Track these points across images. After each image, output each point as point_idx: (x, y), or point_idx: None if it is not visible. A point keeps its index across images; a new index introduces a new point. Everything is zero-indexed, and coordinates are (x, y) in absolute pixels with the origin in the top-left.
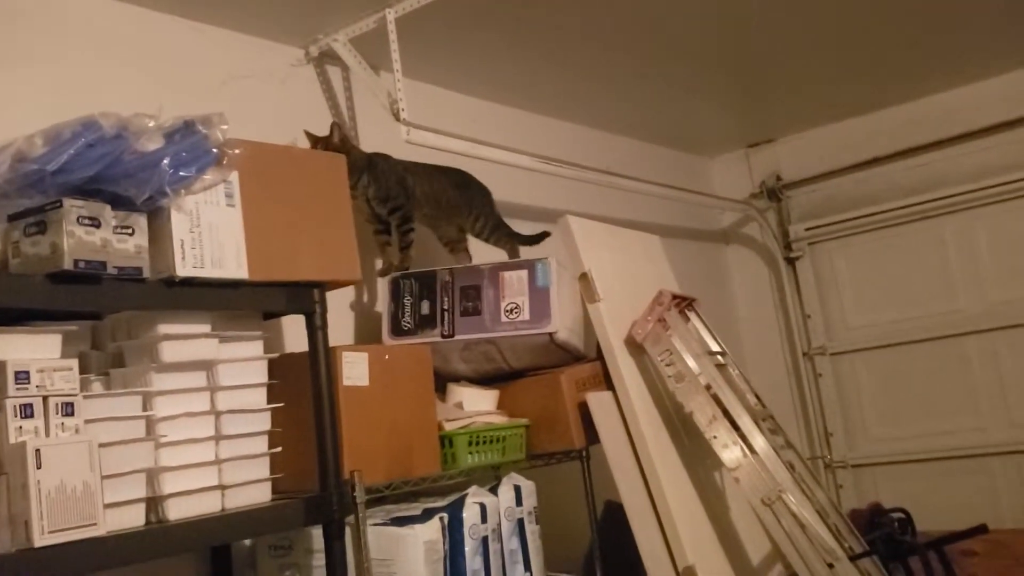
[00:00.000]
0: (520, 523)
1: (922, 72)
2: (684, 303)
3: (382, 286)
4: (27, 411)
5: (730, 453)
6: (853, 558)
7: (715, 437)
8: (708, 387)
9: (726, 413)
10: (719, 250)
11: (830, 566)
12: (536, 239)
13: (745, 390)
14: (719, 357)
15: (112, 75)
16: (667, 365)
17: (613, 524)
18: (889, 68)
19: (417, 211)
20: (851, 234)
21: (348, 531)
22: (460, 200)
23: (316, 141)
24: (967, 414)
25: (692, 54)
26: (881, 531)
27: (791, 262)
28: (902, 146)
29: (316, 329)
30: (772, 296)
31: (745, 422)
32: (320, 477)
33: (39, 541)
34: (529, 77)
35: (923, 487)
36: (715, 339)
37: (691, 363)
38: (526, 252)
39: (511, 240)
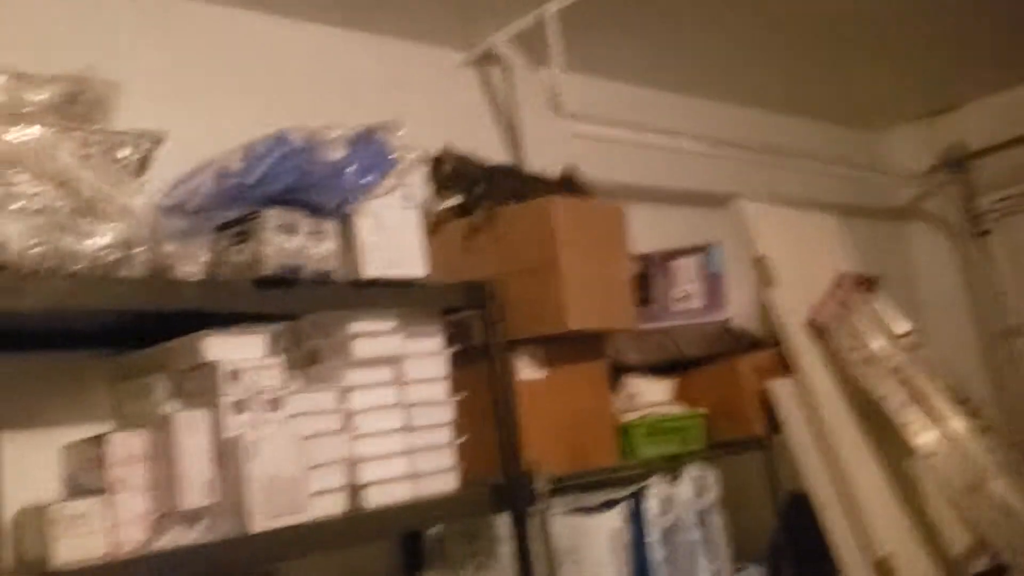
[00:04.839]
0: (703, 514)
1: None
2: (866, 284)
3: None
4: (240, 407)
5: (924, 438)
6: None
7: (907, 422)
8: (896, 370)
9: (918, 397)
10: (898, 228)
11: None
12: None
13: (938, 372)
14: (907, 339)
15: (288, 89)
16: (851, 349)
17: (798, 514)
18: None
19: None
20: None
21: (532, 520)
22: None
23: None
24: None
25: (864, 21)
26: None
27: (980, 236)
28: None
29: (491, 323)
30: (960, 274)
31: (939, 405)
32: (503, 467)
33: (256, 527)
34: (690, 60)
35: None
36: (902, 320)
37: (877, 346)
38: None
39: None
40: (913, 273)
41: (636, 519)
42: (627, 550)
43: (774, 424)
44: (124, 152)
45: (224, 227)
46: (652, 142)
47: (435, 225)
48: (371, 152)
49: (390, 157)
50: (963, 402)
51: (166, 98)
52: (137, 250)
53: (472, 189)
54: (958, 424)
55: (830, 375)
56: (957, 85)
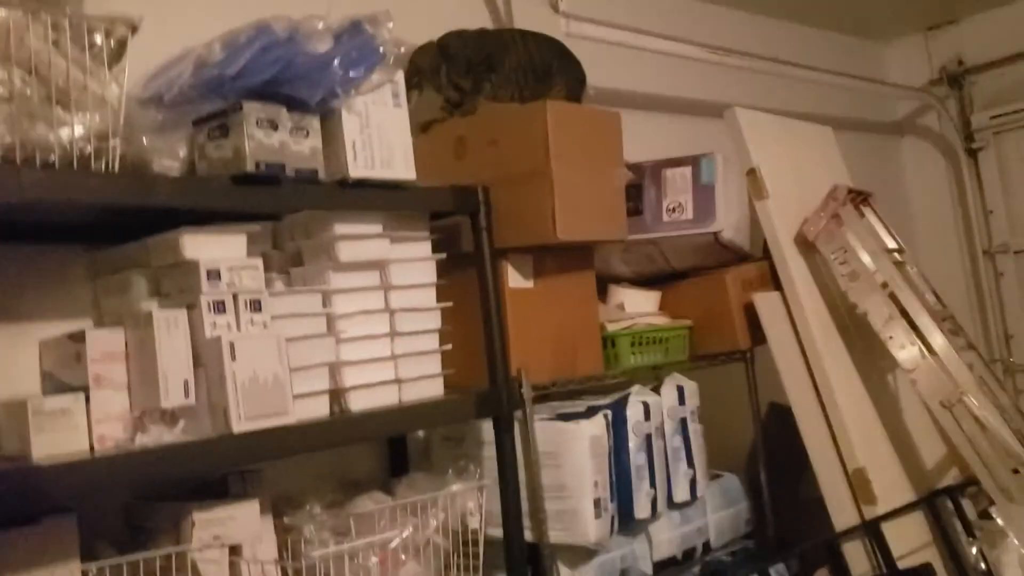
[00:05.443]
0: (683, 422)
1: None
2: (859, 198)
3: None
4: (219, 307)
5: (907, 353)
6: None
7: (891, 337)
8: (885, 285)
9: (904, 313)
10: (892, 143)
11: (1015, 471)
12: None
13: (924, 289)
14: (896, 255)
15: None
16: (841, 263)
17: (777, 426)
18: None
19: None
20: None
21: (516, 426)
22: None
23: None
24: None
25: None
26: None
27: (973, 154)
28: None
29: (481, 230)
30: (950, 191)
31: (924, 321)
32: (489, 373)
33: (237, 427)
34: None
35: None
36: (892, 236)
37: (867, 261)
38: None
39: None
40: (904, 188)
41: (617, 425)
42: (607, 456)
43: (758, 337)
44: (97, 39)
45: (203, 120)
46: (648, 46)
47: (424, 128)
48: (358, 45)
49: (378, 51)
50: (945, 319)
51: None
52: (112, 142)
53: (437, 79)
54: (940, 340)
55: (817, 288)
56: None
